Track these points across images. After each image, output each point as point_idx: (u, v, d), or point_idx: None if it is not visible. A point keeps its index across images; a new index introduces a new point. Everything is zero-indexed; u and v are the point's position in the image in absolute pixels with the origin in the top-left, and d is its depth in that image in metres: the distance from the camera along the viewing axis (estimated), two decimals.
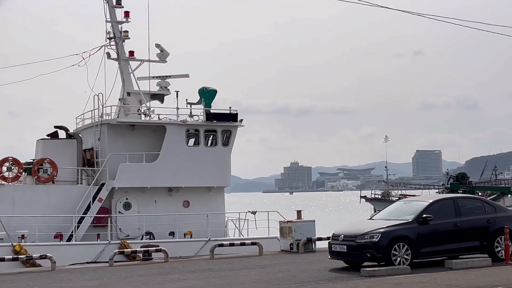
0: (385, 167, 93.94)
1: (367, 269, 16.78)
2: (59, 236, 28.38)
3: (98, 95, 31.38)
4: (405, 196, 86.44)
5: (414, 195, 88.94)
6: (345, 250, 17.86)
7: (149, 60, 33.16)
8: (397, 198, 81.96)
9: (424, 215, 18.05)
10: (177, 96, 32.19)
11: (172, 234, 30.13)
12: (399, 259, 17.36)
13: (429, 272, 16.91)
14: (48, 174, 29.64)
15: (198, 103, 32.77)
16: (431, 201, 18.84)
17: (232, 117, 32.78)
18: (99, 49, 32.83)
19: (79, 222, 28.86)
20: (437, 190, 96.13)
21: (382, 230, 17.57)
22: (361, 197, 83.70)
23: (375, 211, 68.87)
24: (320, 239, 24.94)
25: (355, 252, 17.66)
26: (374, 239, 17.37)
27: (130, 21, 33.01)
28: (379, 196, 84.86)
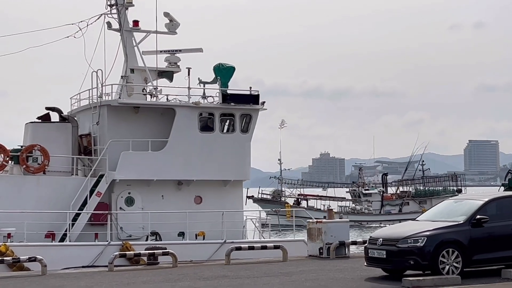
0: (278, 159, 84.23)
1: (410, 278, 16.74)
2: (50, 236, 28.56)
3: (96, 72, 31.55)
4: (304, 196, 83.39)
5: (318, 195, 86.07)
6: (384, 256, 17.82)
7: (156, 32, 33.17)
8: (295, 200, 79.74)
9: (478, 216, 18.03)
10: (188, 74, 32.33)
11: (181, 234, 30.20)
12: (447, 267, 17.33)
13: (483, 283, 16.84)
14: (38, 163, 29.81)
15: (213, 82, 32.78)
16: (486, 199, 18.80)
17: (252, 98, 32.76)
18: (98, 18, 33.02)
19: (74, 219, 29.02)
20: (347, 189, 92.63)
21: (428, 233, 17.53)
22: (247, 197, 78.08)
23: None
24: (354, 243, 24.96)
25: (396, 259, 17.62)
26: (418, 244, 17.33)
27: None
28: (269, 197, 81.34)
